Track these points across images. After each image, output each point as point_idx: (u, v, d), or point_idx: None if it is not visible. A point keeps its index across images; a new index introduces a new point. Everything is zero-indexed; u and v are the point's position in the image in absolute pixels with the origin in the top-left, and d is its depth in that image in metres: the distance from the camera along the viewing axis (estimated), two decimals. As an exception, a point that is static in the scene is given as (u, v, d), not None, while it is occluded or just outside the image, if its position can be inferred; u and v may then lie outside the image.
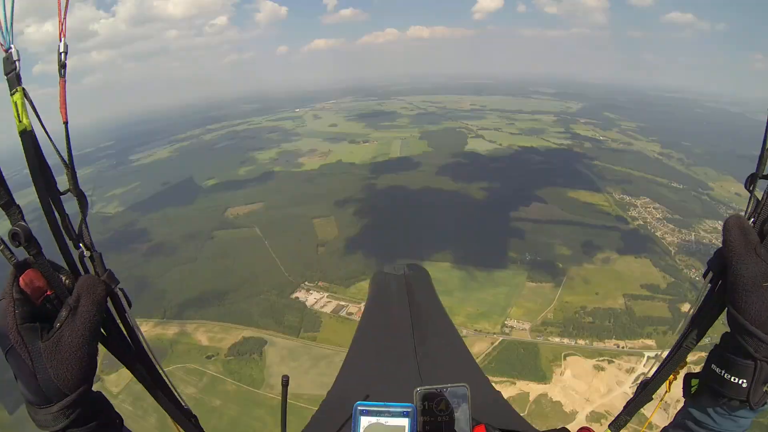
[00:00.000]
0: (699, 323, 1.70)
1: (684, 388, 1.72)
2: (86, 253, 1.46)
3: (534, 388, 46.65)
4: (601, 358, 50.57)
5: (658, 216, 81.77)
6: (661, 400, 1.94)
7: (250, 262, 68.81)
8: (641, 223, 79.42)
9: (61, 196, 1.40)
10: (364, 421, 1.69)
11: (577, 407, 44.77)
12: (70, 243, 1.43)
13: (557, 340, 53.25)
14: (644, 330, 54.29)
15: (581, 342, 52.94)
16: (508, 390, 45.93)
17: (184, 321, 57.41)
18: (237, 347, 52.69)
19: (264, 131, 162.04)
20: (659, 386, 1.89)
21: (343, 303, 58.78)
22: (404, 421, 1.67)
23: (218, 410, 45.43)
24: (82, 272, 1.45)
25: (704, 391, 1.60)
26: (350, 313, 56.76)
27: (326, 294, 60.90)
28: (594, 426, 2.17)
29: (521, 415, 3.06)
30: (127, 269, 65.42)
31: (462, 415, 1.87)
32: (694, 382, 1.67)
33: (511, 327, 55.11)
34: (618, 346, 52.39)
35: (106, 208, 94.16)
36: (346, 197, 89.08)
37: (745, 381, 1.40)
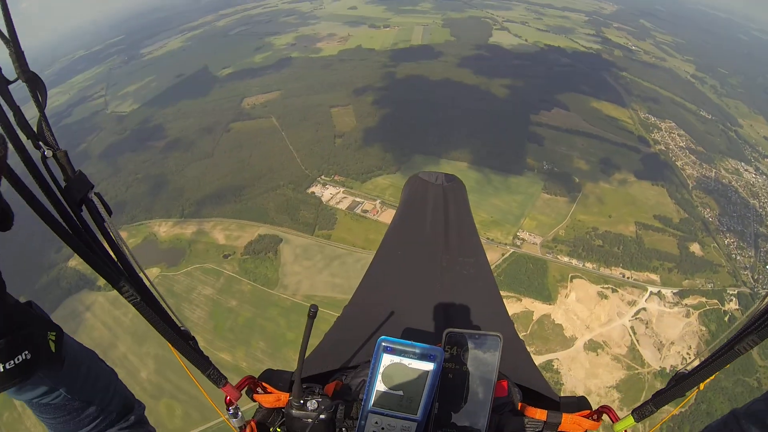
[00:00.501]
0: (761, 326, 1.36)
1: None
2: (48, 153, 1.26)
3: (539, 308, 46.34)
4: (605, 285, 49.89)
5: (681, 144, 77.98)
6: (686, 399, 1.72)
7: (266, 155, 67.87)
8: (663, 148, 75.72)
9: (8, 86, 1.12)
10: (386, 359, 1.54)
11: (576, 333, 44.74)
12: (28, 142, 1.21)
13: (566, 259, 52.15)
14: (651, 263, 53.32)
15: (589, 265, 51.97)
16: (513, 306, 45.68)
17: (201, 219, 57.57)
18: (253, 245, 52.85)
19: (280, 14, 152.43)
20: (697, 384, 1.59)
21: (358, 200, 58.16)
22: (429, 366, 1.52)
23: (234, 311, 46.18)
24: (47, 176, 1.23)
25: None
26: (365, 211, 56.32)
27: (342, 189, 60.17)
28: (619, 410, 1.81)
29: (538, 366, 2.83)
30: (145, 168, 66.23)
31: (488, 367, 1.67)
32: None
33: (523, 239, 53.87)
34: (623, 276, 51.59)
35: (121, 106, 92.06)
36: (365, 85, 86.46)
37: None
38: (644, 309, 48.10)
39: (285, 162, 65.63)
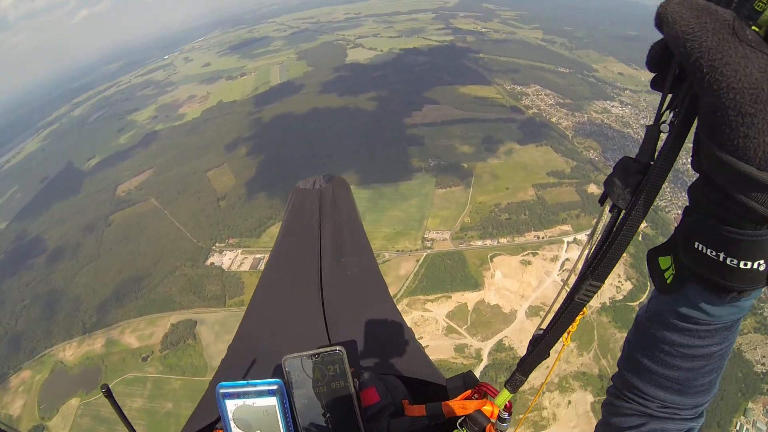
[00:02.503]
0: (599, 263, 1.28)
1: (653, 274, 1.18)
2: None
3: (470, 297, 46.62)
4: (525, 253, 51.27)
5: (550, 102, 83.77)
6: (559, 355, 1.73)
7: (155, 239, 64.92)
8: (536, 111, 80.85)
9: None
10: (230, 405, 1.53)
11: (515, 306, 45.50)
12: None
13: (479, 243, 52.86)
14: (559, 216, 55.75)
15: (503, 240, 53.14)
16: (445, 305, 45.96)
17: (107, 328, 53.90)
18: (169, 338, 50.43)
19: (136, 89, 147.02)
20: (555, 341, 1.60)
21: (259, 255, 56.54)
22: (272, 401, 1.53)
23: (173, 413, 43.21)
24: None
25: (688, 280, 1.06)
26: (269, 264, 55.03)
27: (240, 250, 58.65)
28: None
29: (431, 360, 2.82)
30: (31, 291, 61.38)
31: (341, 382, 1.66)
32: (665, 262, 1.13)
33: (432, 239, 54.04)
34: (538, 238, 53.37)
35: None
36: (235, 139, 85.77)
37: (762, 262, 0.89)
38: (567, 259, 49.99)
39: (175, 240, 63.02)
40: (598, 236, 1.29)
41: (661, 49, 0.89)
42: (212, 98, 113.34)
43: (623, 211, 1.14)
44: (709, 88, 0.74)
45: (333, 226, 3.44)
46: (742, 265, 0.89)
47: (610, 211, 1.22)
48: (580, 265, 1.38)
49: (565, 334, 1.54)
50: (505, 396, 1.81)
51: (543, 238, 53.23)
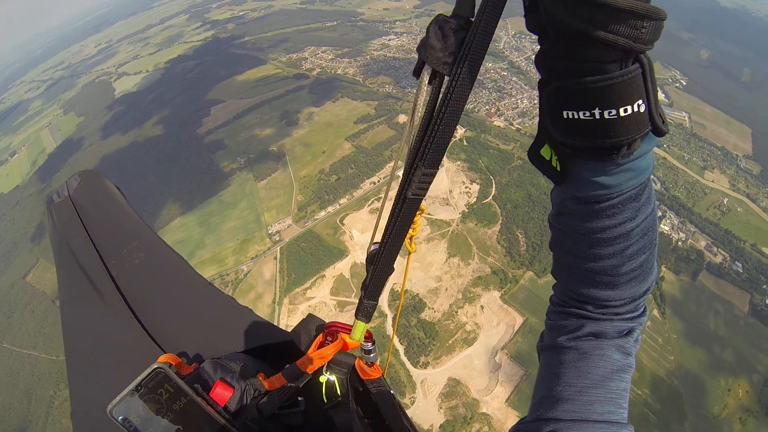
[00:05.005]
0: (428, 147, 1.13)
1: (542, 169, 1.08)
2: None
3: (341, 267, 47.37)
4: (369, 203, 53.07)
5: (329, 57, 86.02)
6: (406, 271, 1.69)
7: (11, 385, 53.85)
8: (320, 70, 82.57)
9: None
10: None
11: None
12: None
13: (323, 213, 53.26)
14: (383, 157, 58.08)
15: (343, 201, 54.10)
16: (324, 285, 46.63)
17: None
18: None
19: None
20: (396, 251, 1.45)
21: None
22: None
23: None
24: None
25: (572, 157, 1.00)
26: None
27: None
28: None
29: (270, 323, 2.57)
30: None
31: (177, 394, 1.53)
32: (546, 153, 1.05)
33: (278, 231, 53.30)
34: (374, 183, 55.34)
35: None
36: (38, 227, 74.16)
37: (641, 102, 0.83)
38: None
39: (35, 369, 54.57)
40: (420, 117, 1.11)
41: None
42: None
43: (446, 80, 1.02)
44: None
45: (101, 225, 2.92)
46: (622, 113, 0.83)
47: (429, 83, 1.07)
48: (404, 157, 1.20)
49: (408, 240, 1.40)
50: (360, 327, 1.71)
51: (379, 181, 55.16)
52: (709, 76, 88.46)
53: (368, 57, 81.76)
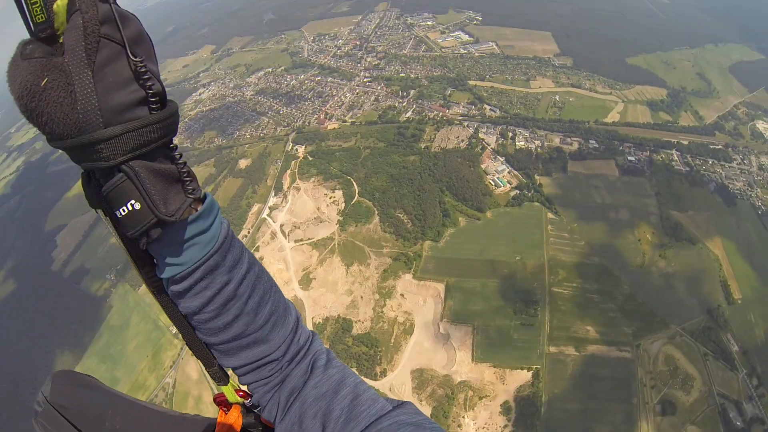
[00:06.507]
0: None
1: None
2: None
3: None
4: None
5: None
6: None
7: None
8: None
9: None
10: None
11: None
12: None
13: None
14: (242, 209, 57.81)
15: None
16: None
17: None
18: None
19: None
20: (188, 336, 1.58)
21: None
22: None
23: None
24: None
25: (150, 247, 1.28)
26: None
27: None
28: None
29: None
30: None
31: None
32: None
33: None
34: (245, 236, 54.48)
35: None
36: None
37: (133, 201, 1.09)
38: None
39: None
40: (118, 237, 1.25)
41: None
42: None
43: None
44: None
45: (84, 416, 2.40)
46: (121, 212, 1.09)
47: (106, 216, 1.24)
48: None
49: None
50: (229, 390, 1.71)
51: (248, 234, 54.88)
52: (496, 2, 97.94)
53: (186, 119, 79.18)
